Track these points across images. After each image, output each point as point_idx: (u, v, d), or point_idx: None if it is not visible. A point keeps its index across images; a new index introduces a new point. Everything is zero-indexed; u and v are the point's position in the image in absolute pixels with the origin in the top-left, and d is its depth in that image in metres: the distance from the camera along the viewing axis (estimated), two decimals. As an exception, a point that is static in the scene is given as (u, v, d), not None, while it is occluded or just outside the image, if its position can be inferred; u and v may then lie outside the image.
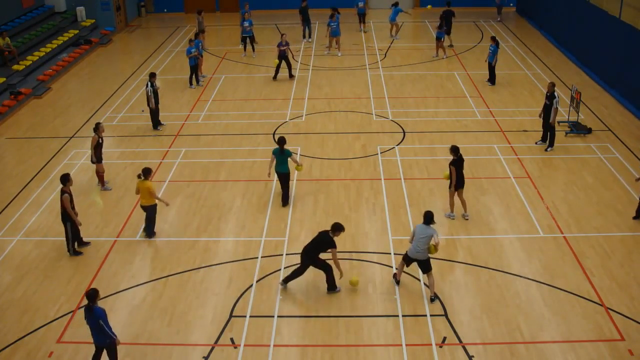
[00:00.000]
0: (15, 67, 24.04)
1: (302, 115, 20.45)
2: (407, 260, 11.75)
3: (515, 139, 18.19)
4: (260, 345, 10.78)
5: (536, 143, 17.82)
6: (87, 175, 16.74)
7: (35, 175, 16.88)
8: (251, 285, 12.23)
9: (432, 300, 11.62)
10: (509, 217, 14.34)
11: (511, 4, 35.10)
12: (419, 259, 11.53)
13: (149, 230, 13.87)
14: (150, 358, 10.52)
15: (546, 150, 17.44)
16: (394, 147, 17.88)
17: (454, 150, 13.85)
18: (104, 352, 9.98)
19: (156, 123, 19.56)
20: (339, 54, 26.62)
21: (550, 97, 17.06)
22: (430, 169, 16.63)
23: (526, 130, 18.76)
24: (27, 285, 12.50)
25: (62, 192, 12.95)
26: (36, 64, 25.13)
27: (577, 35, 25.53)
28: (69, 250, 13.32)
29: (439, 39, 25.95)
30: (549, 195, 15.28)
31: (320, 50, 27.64)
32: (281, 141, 14.55)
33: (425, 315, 11.33)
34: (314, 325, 11.21)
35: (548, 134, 17.48)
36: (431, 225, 11.49)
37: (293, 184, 15.93)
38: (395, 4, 29.03)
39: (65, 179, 13.07)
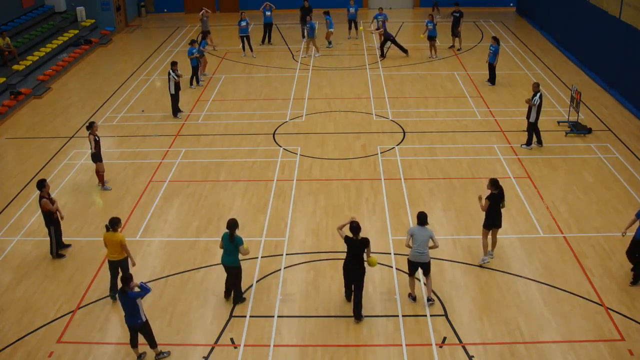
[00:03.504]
0: (15, 67, 24.04)
1: (302, 115, 20.45)
2: (412, 269, 11.56)
3: (515, 139, 18.19)
4: (260, 345, 10.78)
5: (532, 146, 17.75)
6: (87, 175, 16.75)
7: (35, 175, 16.88)
8: (251, 285, 12.23)
9: (429, 300, 11.56)
10: (509, 217, 14.32)
11: (511, 4, 35.10)
12: (423, 262, 11.41)
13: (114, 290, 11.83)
14: (150, 358, 10.52)
15: (521, 146, 17.58)
16: (394, 147, 17.88)
17: (493, 184, 12.25)
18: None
19: (176, 110, 20.37)
20: (318, 55, 26.53)
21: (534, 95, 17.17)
22: (430, 169, 16.63)
23: (526, 130, 18.72)
24: (27, 285, 12.50)
25: (41, 197, 12.93)
26: (36, 64, 25.13)
27: (577, 35, 25.54)
28: (51, 253, 13.29)
29: (432, 38, 25.90)
30: (549, 195, 15.28)
31: (320, 51, 27.62)
32: (231, 225, 11.27)
33: (425, 315, 11.33)
34: (314, 325, 11.21)
35: (534, 133, 17.53)
36: (426, 227, 11.40)
37: (293, 184, 15.94)
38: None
39: (42, 184, 13.03)
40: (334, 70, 24.90)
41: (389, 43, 26.45)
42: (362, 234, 13.54)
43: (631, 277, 12.05)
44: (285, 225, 14.24)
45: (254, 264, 12.87)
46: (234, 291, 11.71)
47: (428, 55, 26.33)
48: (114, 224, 11.42)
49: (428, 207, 14.76)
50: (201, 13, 27.15)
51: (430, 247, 11.38)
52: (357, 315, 11.23)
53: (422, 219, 11.34)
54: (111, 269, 11.77)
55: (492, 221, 12.39)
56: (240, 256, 11.46)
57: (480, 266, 12.62)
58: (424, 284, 11.90)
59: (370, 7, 35.46)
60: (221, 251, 11.62)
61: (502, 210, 12.47)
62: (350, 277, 11.27)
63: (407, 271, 12.39)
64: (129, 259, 11.67)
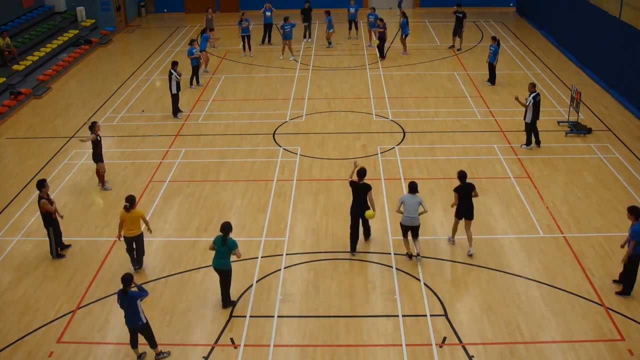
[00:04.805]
0: (15, 67, 24.04)
1: (302, 115, 20.45)
2: (405, 231, 12.68)
3: (515, 139, 18.19)
4: (260, 345, 10.78)
5: (532, 145, 17.74)
6: (87, 175, 16.75)
7: (35, 175, 16.88)
8: (251, 285, 12.23)
9: (416, 256, 12.74)
10: (509, 217, 14.34)
11: (511, 4, 35.10)
12: (413, 225, 12.49)
13: (141, 261, 12.78)
14: (150, 358, 10.52)
15: (521, 146, 17.63)
16: (394, 147, 17.87)
17: (460, 176, 12.80)
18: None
19: (176, 110, 20.45)
20: (291, 58, 26.37)
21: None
22: (430, 169, 16.63)
23: (524, 131, 18.72)
24: (27, 285, 12.50)
25: (40, 197, 12.93)
26: (36, 64, 25.13)
27: (577, 35, 25.54)
28: (51, 253, 13.31)
29: (406, 35, 26.24)
30: (549, 195, 15.28)
31: (320, 51, 27.65)
32: (225, 229, 11.23)
33: (425, 315, 11.33)
34: (314, 325, 11.21)
35: (532, 133, 17.53)
36: (417, 194, 12.42)
37: (293, 184, 15.95)
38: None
39: (41, 184, 13.03)
40: (334, 70, 24.90)
41: (388, 43, 26.48)
42: (361, 234, 13.63)
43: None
44: (285, 225, 14.23)
45: (254, 264, 12.88)
46: (222, 294, 11.60)
47: (402, 52, 26.61)
48: (132, 201, 12.20)
49: (428, 207, 14.74)
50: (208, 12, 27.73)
51: (420, 213, 12.45)
52: (366, 237, 13.37)
53: (412, 187, 12.47)
54: (128, 246, 12.47)
55: (462, 211, 12.87)
56: (232, 258, 11.46)
57: (477, 265, 12.63)
58: (417, 256, 12.79)
59: (370, 7, 35.40)
60: (212, 254, 11.71)
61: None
62: (356, 216, 12.79)
63: (406, 271, 12.51)
64: (143, 235, 12.61)
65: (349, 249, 13.18)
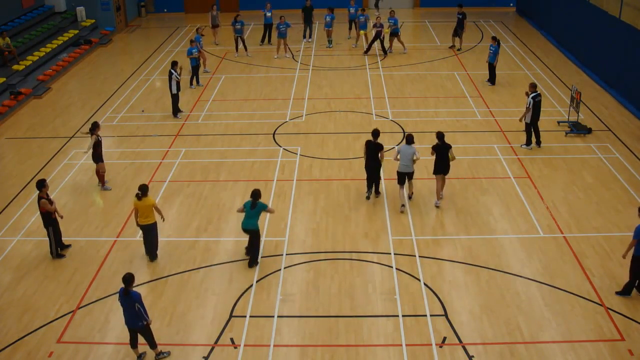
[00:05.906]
0: (15, 67, 24.04)
1: (302, 115, 20.45)
2: (401, 179, 14.54)
3: (515, 139, 18.19)
4: (260, 345, 10.78)
5: (532, 146, 17.72)
6: (87, 175, 16.75)
7: (35, 175, 16.88)
8: (251, 285, 12.24)
9: (409, 197, 14.89)
10: (509, 217, 14.34)
11: (511, 4, 35.09)
12: (407, 172, 14.40)
13: (153, 252, 13.08)
14: (150, 358, 10.53)
15: (521, 146, 17.66)
16: (394, 147, 17.86)
17: (437, 135, 14.57)
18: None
19: (176, 110, 20.48)
20: (286, 56, 26.57)
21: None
22: (430, 169, 16.56)
23: (524, 131, 18.72)
24: (27, 285, 12.50)
25: (39, 197, 12.93)
26: (36, 64, 25.12)
27: (577, 35, 25.54)
28: (52, 253, 13.31)
29: (395, 34, 26.30)
30: (549, 195, 15.28)
31: (320, 51, 27.65)
32: (255, 195, 12.56)
33: (425, 315, 11.34)
34: (314, 325, 11.22)
35: (532, 133, 17.54)
36: (412, 145, 14.26)
37: (293, 184, 15.95)
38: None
39: (41, 184, 13.02)
40: (334, 70, 24.90)
41: (387, 39, 26.53)
42: (361, 234, 13.63)
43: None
44: (285, 225, 14.23)
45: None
46: (251, 254, 12.74)
47: (402, 51, 26.77)
48: (145, 190, 12.43)
49: (428, 207, 14.78)
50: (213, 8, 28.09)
51: (414, 161, 14.27)
52: (376, 192, 15.14)
53: (408, 139, 14.42)
54: (145, 234, 12.85)
55: (438, 168, 14.57)
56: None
57: (477, 265, 12.64)
58: (410, 196, 14.89)
59: (370, 7, 35.43)
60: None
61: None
62: (370, 171, 14.75)
63: (406, 271, 12.49)
64: (156, 224, 12.81)
65: (348, 249, 13.22)
